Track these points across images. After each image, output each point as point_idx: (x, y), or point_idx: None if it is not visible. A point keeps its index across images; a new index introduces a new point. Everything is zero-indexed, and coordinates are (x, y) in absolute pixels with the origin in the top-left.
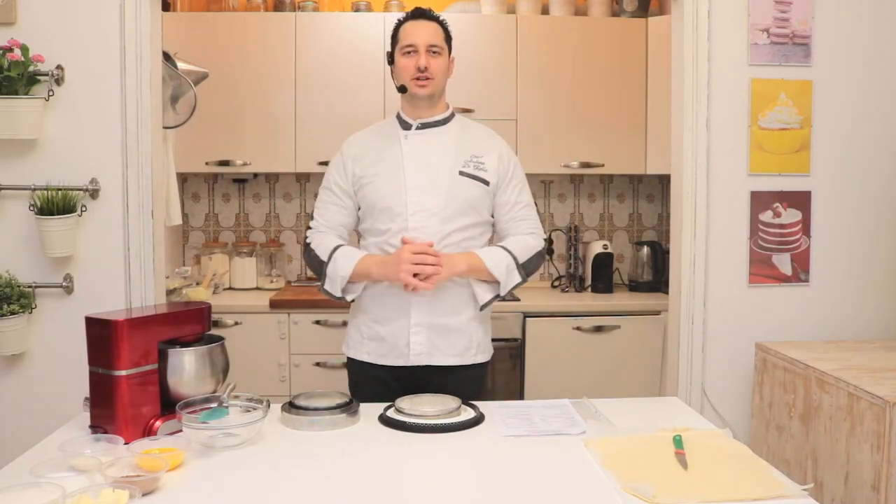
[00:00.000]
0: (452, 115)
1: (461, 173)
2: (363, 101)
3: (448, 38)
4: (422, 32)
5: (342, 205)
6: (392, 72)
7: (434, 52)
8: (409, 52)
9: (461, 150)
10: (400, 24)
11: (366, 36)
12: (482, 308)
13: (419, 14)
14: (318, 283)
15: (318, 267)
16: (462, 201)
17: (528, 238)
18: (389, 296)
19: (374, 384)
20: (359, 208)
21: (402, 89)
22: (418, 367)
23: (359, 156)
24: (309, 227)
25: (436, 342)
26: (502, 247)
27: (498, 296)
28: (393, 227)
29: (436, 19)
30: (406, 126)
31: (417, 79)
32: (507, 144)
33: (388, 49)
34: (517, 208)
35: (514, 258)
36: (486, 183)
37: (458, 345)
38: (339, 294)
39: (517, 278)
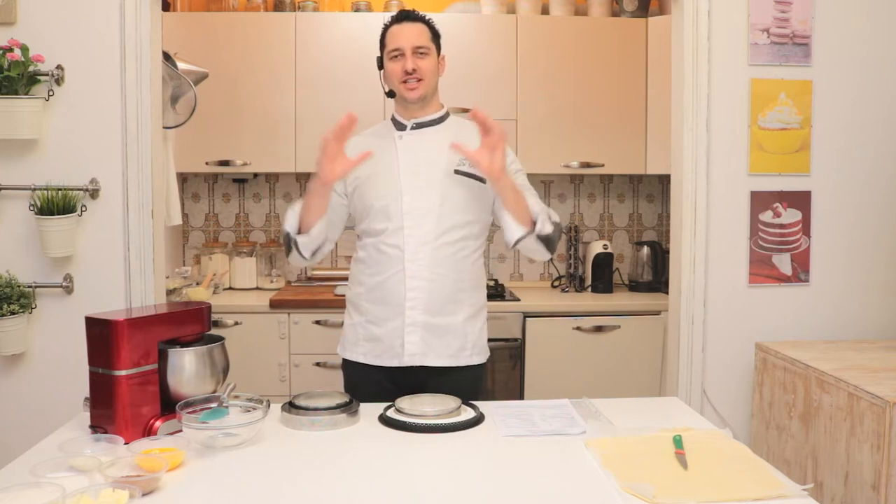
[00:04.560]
0: (447, 115)
1: (456, 171)
2: (363, 100)
3: (435, 36)
4: (407, 35)
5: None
6: (381, 76)
7: (421, 54)
8: (395, 56)
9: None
10: (386, 28)
11: (366, 36)
12: (513, 246)
13: (403, 17)
14: (288, 247)
15: (282, 230)
16: (457, 200)
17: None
18: (385, 296)
19: (370, 386)
20: (349, 214)
21: (390, 94)
22: (413, 368)
23: (351, 149)
24: None
25: (430, 343)
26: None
27: (528, 234)
28: (389, 227)
29: (421, 19)
30: (401, 126)
31: (405, 82)
32: None
33: (378, 54)
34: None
35: (548, 210)
36: (483, 181)
37: (453, 346)
38: (289, 229)
39: (549, 227)
